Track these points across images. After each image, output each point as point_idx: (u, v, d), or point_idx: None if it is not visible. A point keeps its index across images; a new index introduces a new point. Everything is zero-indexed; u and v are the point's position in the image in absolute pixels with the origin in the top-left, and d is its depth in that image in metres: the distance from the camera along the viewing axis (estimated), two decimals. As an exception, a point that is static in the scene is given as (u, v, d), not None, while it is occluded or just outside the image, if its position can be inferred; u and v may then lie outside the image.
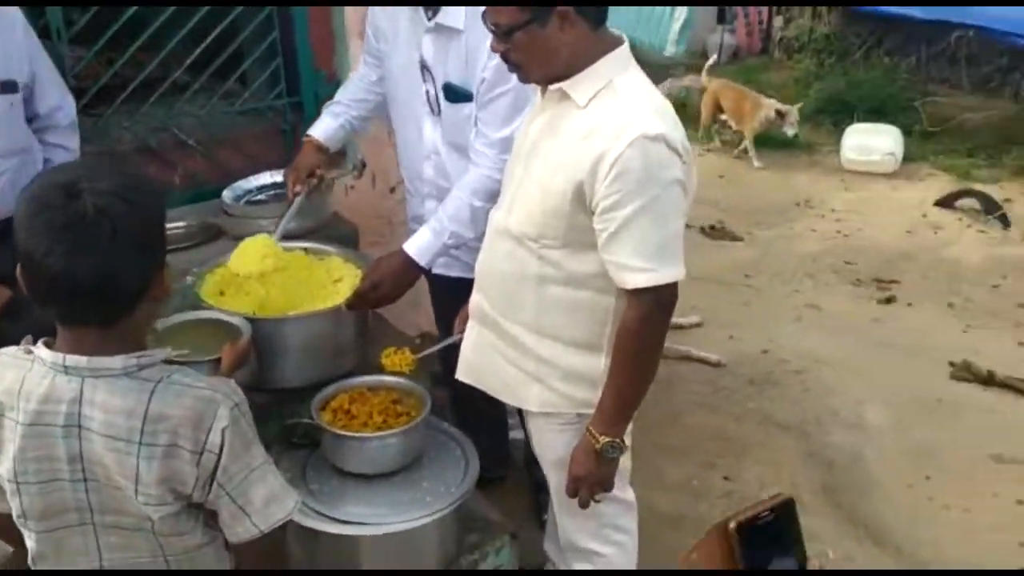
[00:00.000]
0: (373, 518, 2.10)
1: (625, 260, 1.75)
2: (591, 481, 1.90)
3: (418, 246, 2.30)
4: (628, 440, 1.99)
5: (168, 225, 2.86)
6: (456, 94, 2.30)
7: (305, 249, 2.65)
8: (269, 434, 2.31)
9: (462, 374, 2.13)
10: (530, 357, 1.96)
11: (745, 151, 6.76)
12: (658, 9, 7.42)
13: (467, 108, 2.29)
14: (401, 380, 2.31)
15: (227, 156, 2.93)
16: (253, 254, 2.35)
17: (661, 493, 3.13)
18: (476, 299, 2.06)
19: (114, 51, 2.75)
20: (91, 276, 1.25)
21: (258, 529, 1.41)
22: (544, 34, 1.72)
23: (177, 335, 2.22)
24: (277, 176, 2.91)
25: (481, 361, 2.07)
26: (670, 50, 7.34)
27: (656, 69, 9.01)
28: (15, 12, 2.28)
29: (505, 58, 1.81)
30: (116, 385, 1.30)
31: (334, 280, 2.51)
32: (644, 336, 1.80)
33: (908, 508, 3.09)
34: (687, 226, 5.14)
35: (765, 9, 10.06)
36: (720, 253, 5.12)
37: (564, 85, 1.79)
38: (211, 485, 1.36)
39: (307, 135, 2.60)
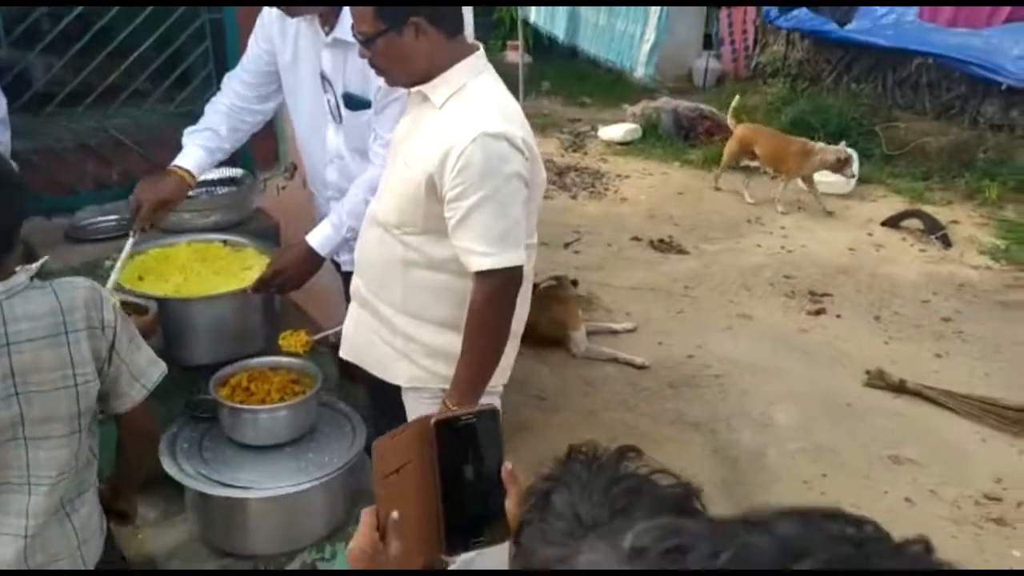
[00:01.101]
0: (259, 483, 2.28)
1: (469, 245, 1.94)
2: (445, 448, 2.07)
3: (319, 238, 2.50)
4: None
5: (102, 218, 3.11)
6: (356, 102, 2.50)
7: (224, 241, 2.85)
8: (175, 408, 2.52)
9: (344, 352, 2.32)
10: (399, 335, 2.15)
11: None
12: (628, 32, 7.64)
13: (366, 115, 2.49)
14: (299, 361, 2.49)
15: (162, 154, 3.12)
16: None
17: (568, 483, 3.30)
18: (355, 282, 2.25)
19: (54, 56, 2.98)
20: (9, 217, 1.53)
21: (145, 389, 1.69)
22: (401, 42, 1.92)
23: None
24: (211, 173, 3.12)
25: (359, 340, 2.26)
26: (639, 72, 7.51)
27: (637, 91, 9.29)
28: None
29: (372, 64, 2.01)
30: (27, 296, 1.52)
31: (244, 268, 2.71)
32: (489, 315, 1.99)
33: (800, 503, 3.25)
34: (636, 239, 5.36)
35: (751, 35, 10.31)
36: (665, 266, 5.31)
37: (424, 88, 1.99)
38: (111, 356, 1.61)
39: (178, 166, 2.58)
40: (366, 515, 1.07)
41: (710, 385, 4.00)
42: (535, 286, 4.28)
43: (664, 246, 5.55)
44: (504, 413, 3.86)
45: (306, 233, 2.62)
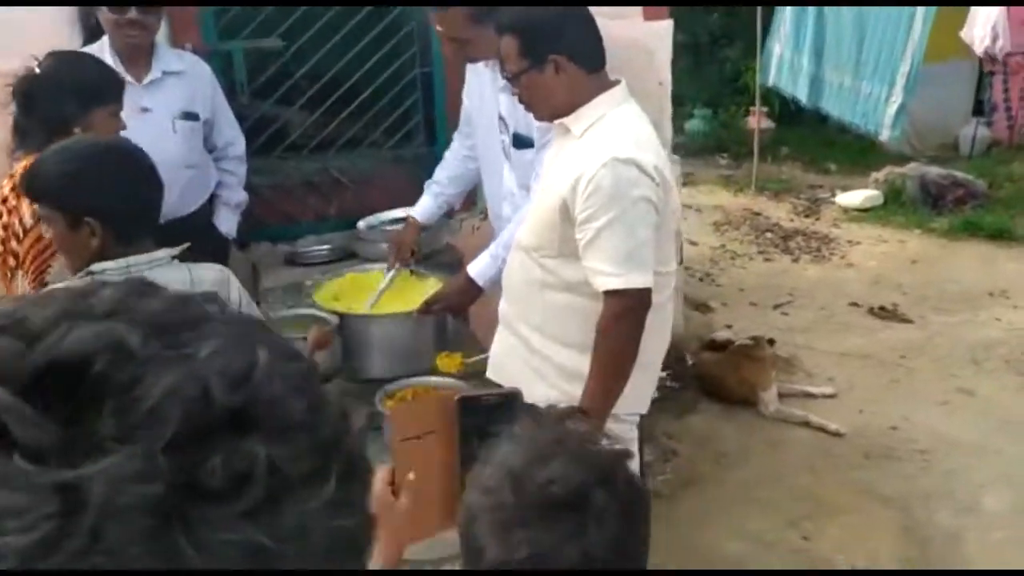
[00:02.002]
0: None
1: (598, 265, 2.02)
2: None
3: (477, 268, 2.68)
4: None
5: (318, 247, 3.49)
6: (522, 141, 2.67)
7: (411, 271, 3.12)
8: (356, 419, 2.77)
9: (491, 372, 2.45)
10: (537, 356, 2.25)
11: None
12: (873, 94, 7.33)
13: (529, 153, 2.66)
14: (463, 382, 2.66)
15: (374, 193, 3.50)
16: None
17: (734, 540, 3.19)
18: (502, 305, 2.39)
19: (286, 104, 3.45)
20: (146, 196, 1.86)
21: None
22: (543, 78, 2.07)
23: (284, 324, 2.75)
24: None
25: (504, 360, 2.38)
26: (885, 135, 7.18)
27: (890, 158, 8.80)
28: (206, 67, 3.01)
29: (520, 99, 2.17)
30: (166, 270, 1.81)
31: (423, 294, 2.93)
32: (615, 335, 2.04)
33: (997, 595, 2.91)
34: (854, 305, 5.07)
35: (1030, 101, 9.47)
36: (882, 333, 4.97)
37: (566, 120, 2.12)
38: None
39: (410, 216, 3.06)
40: (381, 471, 1.18)
41: (911, 460, 3.69)
42: (728, 343, 4.21)
43: (885, 313, 5.20)
44: (678, 466, 3.90)
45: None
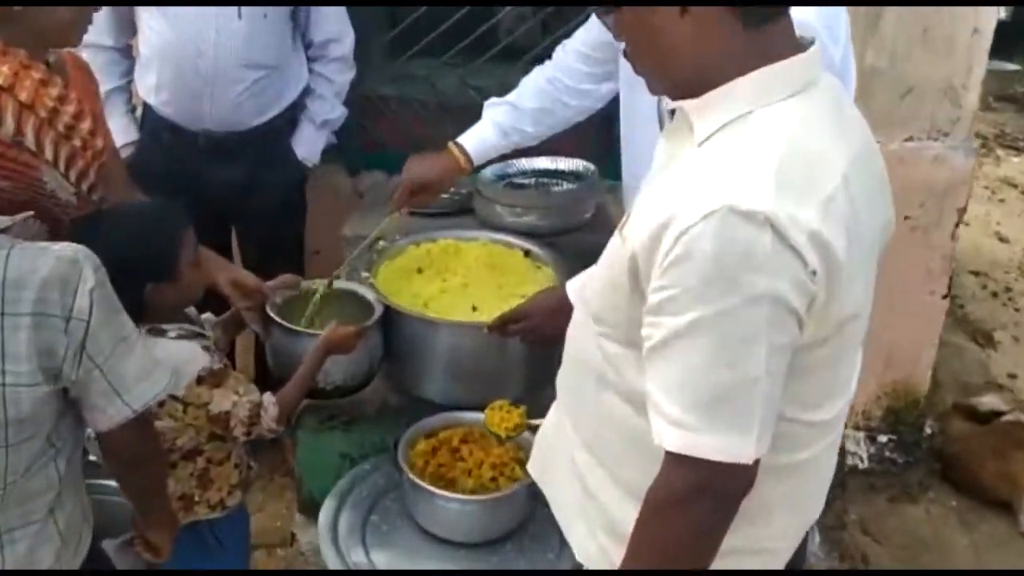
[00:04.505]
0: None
1: (658, 397, 1.09)
2: None
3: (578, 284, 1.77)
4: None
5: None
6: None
7: (526, 251, 2.27)
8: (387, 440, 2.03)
9: (532, 463, 1.58)
10: (579, 480, 1.37)
11: None
12: None
13: None
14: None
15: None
16: None
17: None
18: (561, 369, 1.48)
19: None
20: None
21: (130, 409, 1.32)
22: (654, 18, 1.11)
23: (331, 302, 2.07)
24: (559, 163, 2.55)
25: (551, 447, 1.49)
26: None
27: None
28: None
29: (625, 54, 1.22)
30: None
31: (521, 294, 2.08)
32: (662, 521, 1.14)
33: None
34: None
35: None
36: None
37: (688, 106, 1.14)
38: (80, 358, 1.24)
39: (456, 142, 2.10)
40: None
41: None
42: (994, 415, 2.96)
43: None
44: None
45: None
